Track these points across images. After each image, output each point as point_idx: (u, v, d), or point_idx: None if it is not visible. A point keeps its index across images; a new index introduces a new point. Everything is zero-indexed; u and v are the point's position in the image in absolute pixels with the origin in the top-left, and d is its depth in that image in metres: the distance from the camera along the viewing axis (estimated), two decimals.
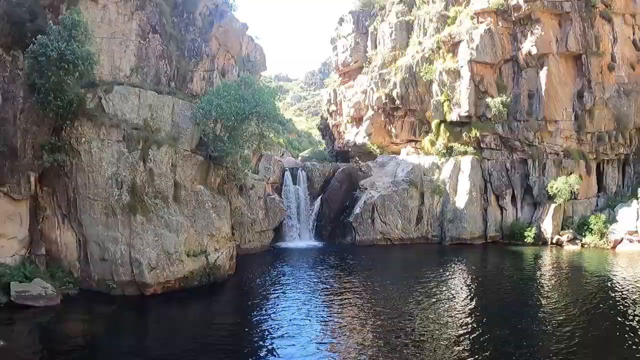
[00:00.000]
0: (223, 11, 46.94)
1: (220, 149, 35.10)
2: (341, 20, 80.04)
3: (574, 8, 54.76)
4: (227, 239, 36.16)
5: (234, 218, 41.97)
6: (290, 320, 26.46)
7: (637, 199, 53.00)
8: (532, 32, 55.06)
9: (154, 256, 29.91)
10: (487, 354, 21.89)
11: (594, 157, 58.49)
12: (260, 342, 23.57)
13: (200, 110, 34.66)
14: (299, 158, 78.94)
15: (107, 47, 33.77)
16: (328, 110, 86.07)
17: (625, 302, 30.47)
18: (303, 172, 57.02)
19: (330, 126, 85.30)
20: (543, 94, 55.00)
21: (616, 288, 34.28)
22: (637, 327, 25.59)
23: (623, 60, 58.67)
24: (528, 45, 55.40)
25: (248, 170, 43.16)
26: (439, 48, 60.53)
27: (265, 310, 28.64)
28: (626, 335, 24.31)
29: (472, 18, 58.32)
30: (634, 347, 22.69)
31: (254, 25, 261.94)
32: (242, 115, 34.79)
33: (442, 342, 23.31)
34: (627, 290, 33.64)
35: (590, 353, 22.39)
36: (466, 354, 21.81)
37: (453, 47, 59.42)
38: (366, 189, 57.09)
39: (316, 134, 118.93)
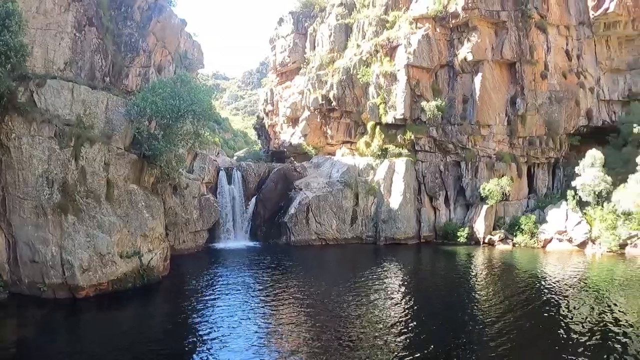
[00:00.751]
0: (162, 6, 46.12)
1: (154, 147, 34.45)
2: (281, 21, 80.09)
3: (510, 18, 56.87)
4: (161, 240, 35.54)
5: (168, 218, 41.32)
6: (226, 323, 26.15)
7: (566, 200, 55.44)
8: (468, 39, 56.69)
9: (86, 257, 29.04)
10: (424, 351, 22.27)
11: (525, 160, 60.89)
12: (196, 347, 23.18)
13: (135, 107, 33.96)
14: (234, 158, 78.59)
15: (41, 39, 32.62)
16: (264, 110, 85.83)
17: (556, 298, 31.71)
18: (238, 172, 56.63)
19: (267, 126, 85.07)
20: (477, 99, 56.70)
21: (547, 285, 35.69)
22: (567, 321, 26.77)
23: (555, 69, 61.21)
24: (464, 52, 56.95)
25: (182, 170, 42.45)
26: (377, 51, 61.37)
27: (201, 313, 28.23)
28: (557, 329, 25.45)
29: (410, 23, 59.50)
30: (563, 340, 23.75)
31: (192, 22, 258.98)
32: (177, 113, 34.35)
33: (378, 342, 23.56)
34: (557, 286, 35.13)
35: (524, 347, 23.08)
36: (403, 353, 22.11)
37: (391, 51, 60.41)
38: (301, 189, 57.20)
39: (252, 134, 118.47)
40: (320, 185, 57.37)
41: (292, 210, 54.82)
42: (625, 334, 24.61)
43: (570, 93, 61.47)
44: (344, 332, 25.14)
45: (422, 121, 57.90)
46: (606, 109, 65.28)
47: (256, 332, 25.09)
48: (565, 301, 31.04)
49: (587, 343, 23.38)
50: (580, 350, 22.38)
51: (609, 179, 52.39)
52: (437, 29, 58.50)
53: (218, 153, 67.84)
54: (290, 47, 77.15)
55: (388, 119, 59.29)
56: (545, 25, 59.60)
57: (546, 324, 26.65)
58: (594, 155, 54.26)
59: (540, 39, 59.52)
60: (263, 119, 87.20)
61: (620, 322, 26.43)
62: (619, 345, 23.05)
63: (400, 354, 22.01)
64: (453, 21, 57.27)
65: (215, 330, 24.87)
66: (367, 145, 62.07)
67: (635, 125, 53.40)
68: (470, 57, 56.50)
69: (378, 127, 61.02)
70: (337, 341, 23.74)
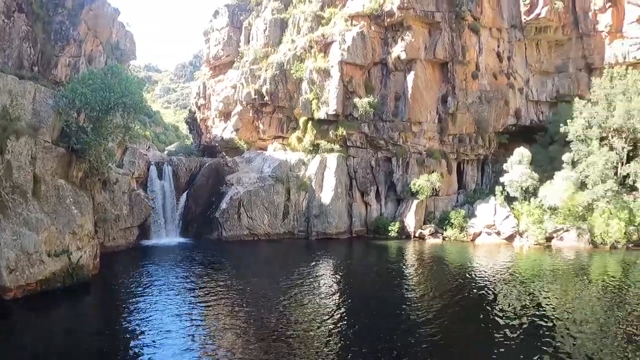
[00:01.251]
0: None
1: (83, 140, 33.45)
2: (216, 13, 79.21)
3: (444, 19, 58.50)
4: (90, 237, 34.42)
5: (97, 214, 40.05)
6: (159, 322, 25.61)
7: (495, 196, 57.81)
8: (402, 38, 57.79)
9: (13, 257, 27.67)
10: (359, 347, 22.50)
11: (455, 157, 63.02)
12: (128, 348, 22.60)
13: (64, 98, 32.95)
14: (165, 152, 77.19)
15: None
16: (197, 103, 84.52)
17: (487, 291, 32.88)
18: (169, 166, 55.51)
19: (199, 120, 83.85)
20: (409, 96, 57.89)
21: (478, 278, 37.02)
22: (497, 310, 27.83)
23: (486, 70, 63.45)
24: (398, 50, 57.93)
25: (112, 164, 41.22)
26: (311, 47, 61.51)
27: (133, 313, 27.48)
28: (489, 320, 26.44)
29: (346, 20, 60.14)
30: (493, 330, 24.63)
31: (125, 10, 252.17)
32: (108, 105, 33.56)
33: (314, 339, 23.68)
34: (488, 279, 36.56)
35: (458, 339, 23.83)
36: (338, 348, 22.33)
37: (325, 47, 60.72)
38: (232, 184, 56.87)
39: (184, 128, 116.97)
40: (251, 180, 57.16)
41: (223, 206, 54.39)
42: (564, 326, 25.62)
43: (500, 93, 63.76)
44: (278, 330, 25.00)
45: (354, 117, 58.66)
46: (534, 109, 68.22)
47: (189, 332, 24.63)
48: (498, 293, 32.26)
49: (519, 331, 24.43)
50: (512, 342, 23.01)
51: (535, 175, 54.92)
52: (372, 27, 59.38)
53: (149, 147, 66.49)
54: (224, 40, 76.25)
55: (320, 114, 59.56)
56: (478, 27, 61.49)
57: (479, 316, 27.50)
58: (521, 152, 56.63)
59: (473, 40, 61.34)
60: (195, 112, 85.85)
61: (554, 314, 27.62)
62: (552, 337, 23.88)
63: (341, 352, 22.09)
64: (388, 20, 58.23)
65: (148, 331, 24.31)
66: (299, 140, 62.21)
67: (561, 125, 56.09)
68: (403, 56, 57.51)
69: (310, 122, 61.22)
70: (271, 340, 23.60)
